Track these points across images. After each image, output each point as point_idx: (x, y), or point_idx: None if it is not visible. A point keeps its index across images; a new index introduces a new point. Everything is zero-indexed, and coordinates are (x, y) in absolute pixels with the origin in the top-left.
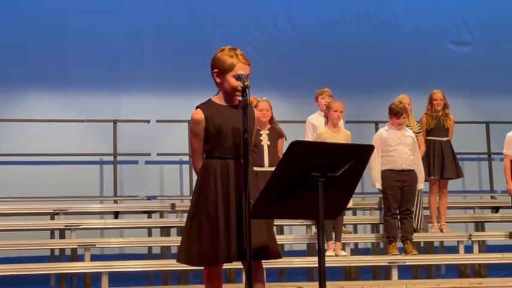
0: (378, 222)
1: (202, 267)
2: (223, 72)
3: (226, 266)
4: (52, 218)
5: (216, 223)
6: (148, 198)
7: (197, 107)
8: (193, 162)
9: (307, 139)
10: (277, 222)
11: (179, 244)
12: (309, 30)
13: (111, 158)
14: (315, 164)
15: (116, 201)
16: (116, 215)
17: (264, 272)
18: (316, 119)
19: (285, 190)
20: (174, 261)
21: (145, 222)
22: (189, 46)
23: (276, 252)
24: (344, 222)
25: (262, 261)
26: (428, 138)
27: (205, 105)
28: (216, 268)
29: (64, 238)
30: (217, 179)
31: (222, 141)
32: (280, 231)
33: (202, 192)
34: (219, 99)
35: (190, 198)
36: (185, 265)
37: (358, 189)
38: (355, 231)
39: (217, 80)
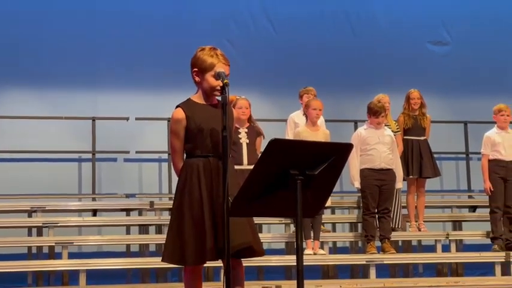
0: (356, 221)
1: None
2: (203, 72)
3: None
4: (29, 216)
5: (202, 222)
6: (127, 196)
7: (177, 106)
8: (174, 162)
9: (287, 136)
10: (255, 220)
11: (164, 243)
12: (288, 28)
13: (89, 156)
14: (293, 162)
15: (94, 199)
16: (94, 212)
17: (244, 272)
18: (299, 117)
19: (264, 188)
20: (152, 259)
21: (123, 220)
22: (168, 44)
23: (259, 249)
24: (322, 221)
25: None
26: (405, 137)
27: (185, 104)
28: (197, 268)
29: (41, 236)
30: (201, 178)
31: (203, 140)
32: (259, 229)
33: (185, 191)
34: (198, 98)
35: (171, 196)
36: (167, 264)
37: (336, 188)
38: (334, 230)
39: (197, 79)
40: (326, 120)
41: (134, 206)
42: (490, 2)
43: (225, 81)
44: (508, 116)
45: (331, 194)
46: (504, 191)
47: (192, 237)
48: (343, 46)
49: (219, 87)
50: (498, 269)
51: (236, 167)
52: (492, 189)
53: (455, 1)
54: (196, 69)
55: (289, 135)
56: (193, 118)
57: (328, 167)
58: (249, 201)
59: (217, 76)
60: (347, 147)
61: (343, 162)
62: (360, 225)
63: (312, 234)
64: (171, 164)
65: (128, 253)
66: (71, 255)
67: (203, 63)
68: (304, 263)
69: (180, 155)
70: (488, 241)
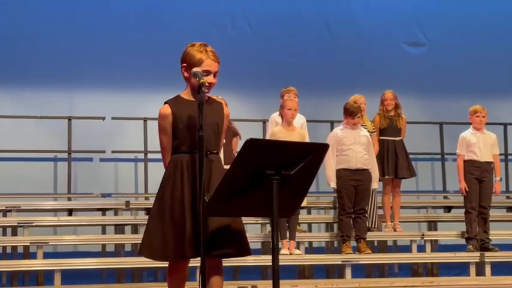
0: (332, 221)
1: (165, 263)
2: (191, 67)
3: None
4: (4, 215)
5: (182, 217)
6: (103, 195)
7: (165, 103)
8: (163, 158)
9: (268, 137)
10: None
11: (143, 237)
12: (266, 29)
13: (65, 155)
14: (269, 162)
15: (69, 199)
16: (70, 212)
17: (223, 271)
18: (279, 117)
19: (240, 188)
20: (128, 259)
21: (99, 219)
22: (145, 43)
23: (245, 248)
24: (299, 221)
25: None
26: (381, 138)
27: (173, 101)
28: (180, 264)
29: (16, 235)
30: (184, 174)
31: (189, 136)
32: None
33: (168, 186)
34: (187, 95)
35: (147, 196)
36: (141, 261)
37: (313, 188)
38: (310, 230)
39: (186, 74)
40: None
41: (110, 205)
42: (466, 3)
43: (202, 80)
44: (483, 117)
45: (307, 194)
46: (479, 191)
47: (171, 232)
48: (321, 47)
49: (206, 84)
50: (472, 269)
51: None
52: (467, 190)
53: (432, 3)
54: (185, 64)
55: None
56: (180, 114)
57: (304, 167)
58: (225, 200)
59: (194, 75)
60: (323, 147)
61: (319, 163)
62: (335, 225)
63: (287, 234)
64: (149, 158)
65: (103, 253)
66: (46, 255)
67: (192, 58)
68: (280, 263)
69: (169, 151)
70: (463, 241)
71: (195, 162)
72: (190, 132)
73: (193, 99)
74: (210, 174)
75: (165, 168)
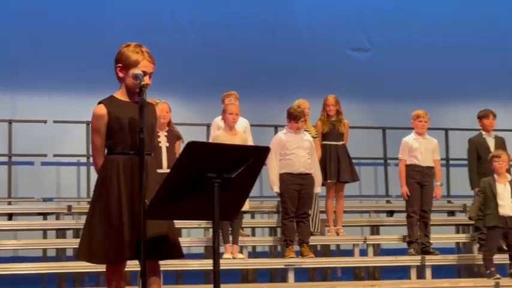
0: (275, 225)
1: (104, 266)
2: (127, 68)
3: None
4: None
5: (120, 219)
6: (44, 199)
7: (99, 102)
8: (94, 159)
9: (211, 140)
10: (175, 224)
11: (80, 240)
12: (210, 33)
13: (5, 159)
14: (211, 165)
15: (10, 203)
16: (10, 216)
17: (161, 274)
18: (222, 121)
19: (181, 191)
20: (69, 264)
21: (40, 224)
22: (86, 46)
23: (179, 251)
24: (242, 225)
25: (161, 261)
26: (324, 142)
27: (108, 101)
28: (118, 267)
29: None
30: (120, 175)
31: (124, 137)
32: (178, 233)
33: (104, 188)
34: (121, 95)
35: (89, 200)
36: (83, 265)
37: (256, 193)
38: (253, 235)
39: (120, 74)
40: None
41: (51, 210)
42: (410, 9)
43: (143, 82)
44: (425, 122)
45: (251, 199)
46: (420, 195)
47: (108, 235)
48: (265, 51)
49: (138, 86)
50: (414, 273)
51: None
52: (409, 194)
53: (376, 8)
54: (120, 64)
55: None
56: (115, 114)
57: (246, 170)
58: (166, 204)
59: (135, 77)
60: (264, 150)
61: (260, 166)
62: (279, 229)
63: (230, 239)
64: (92, 162)
65: (44, 258)
66: None
67: (127, 59)
68: (223, 267)
69: (101, 152)
70: (405, 245)
71: (131, 164)
72: (125, 133)
73: (128, 99)
74: (146, 177)
75: (96, 170)
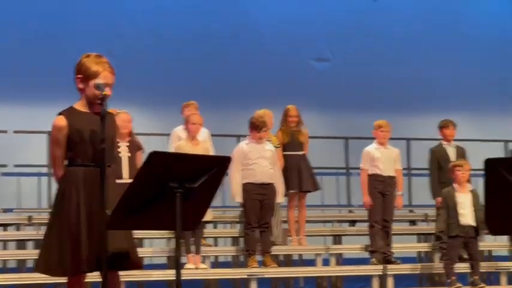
0: (238, 235)
1: (64, 279)
2: (87, 79)
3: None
4: None
5: (78, 231)
6: (5, 210)
7: (59, 114)
8: (54, 171)
9: (172, 150)
10: (137, 234)
11: (39, 253)
12: (172, 43)
13: None
14: (173, 175)
15: None
16: None
17: (121, 285)
18: (182, 131)
19: (143, 201)
20: (30, 275)
21: (0, 235)
22: (47, 56)
23: (137, 262)
24: (204, 235)
25: (123, 272)
26: (284, 152)
27: (68, 112)
28: (78, 278)
29: None
30: (80, 187)
31: (84, 149)
32: (140, 244)
33: (64, 200)
34: (81, 106)
35: (49, 210)
36: (43, 277)
37: (218, 203)
38: (216, 244)
39: (80, 86)
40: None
41: (12, 220)
42: (371, 21)
43: (104, 92)
44: (387, 132)
45: (213, 209)
46: (382, 205)
47: (66, 247)
48: (228, 62)
49: (100, 97)
50: (376, 282)
51: (116, 180)
52: (371, 204)
53: (338, 19)
54: (80, 75)
55: (172, 150)
56: (75, 126)
57: (208, 179)
58: (128, 214)
59: (97, 88)
60: (226, 160)
61: (222, 175)
62: (241, 239)
63: (193, 249)
64: (52, 174)
65: (4, 269)
66: None
67: (87, 70)
68: (186, 277)
69: (61, 164)
70: (367, 254)
71: (90, 176)
72: (86, 145)
73: (88, 110)
74: (107, 188)
75: (56, 181)
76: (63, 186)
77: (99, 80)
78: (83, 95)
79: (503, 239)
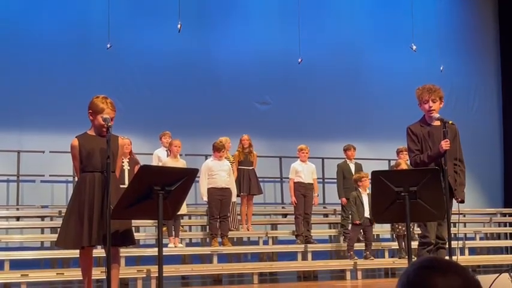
0: (205, 224)
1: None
2: (95, 113)
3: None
4: None
5: (91, 216)
6: (42, 206)
7: (76, 137)
8: (77, 175)
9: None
10: (134, 223)
11: (58, 231)
12: (162, 91)
13: (15, 178)
14: (157, 181)
15: (17, 209)
16: (18, 218)
17: (120, 257)
18: (161, 152)
19: (136, 199)
20: (60, 251)
21: (39, 224)
22: (73, 99)
23: (132, 239)
24: (182, 224)
25: (123, 249)
26: (239, 167)
27: (81, 136)
28: (88, 251)
29: None
30: (87, 187)
31: (91, 161)
32: (137, 230)
33: (77, 194)
34: (91, 132)
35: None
36: (65, 252)
37: (192, 201)
38: (190, 230)
39: (91, 117)
40: (186, 154)
41: (47, 214)
42: (297, 76)
43: (109, 124)
44: (307, 153)
45: (188, 205)
46: (304, 203)
47: (79, 227)
48: (196, 98)
49: (106, 126)
50: (299, 256)
51: (121, 186)
52: (296, 202)
53: (273, 73)
54: (91, 110)
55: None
56: (85, 145)
57: (182, 184)
58: (125, 208)
59: (104, 120)
60: (194, 172)
61: (192, 182)
62: (207, 227)
63: (173, 233)
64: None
65: (42, 247)
66: None
67: (96, 107)
68: (167, 253)
69: (78, 171)
70: (294, 237)
71: (94, 179)
72: (93, 158)
73: (95, 134)
74: (111, 188)
75: None
76: (78, 186)
77: (104, 115)
78: (93, 124)
79: (387, 226)
